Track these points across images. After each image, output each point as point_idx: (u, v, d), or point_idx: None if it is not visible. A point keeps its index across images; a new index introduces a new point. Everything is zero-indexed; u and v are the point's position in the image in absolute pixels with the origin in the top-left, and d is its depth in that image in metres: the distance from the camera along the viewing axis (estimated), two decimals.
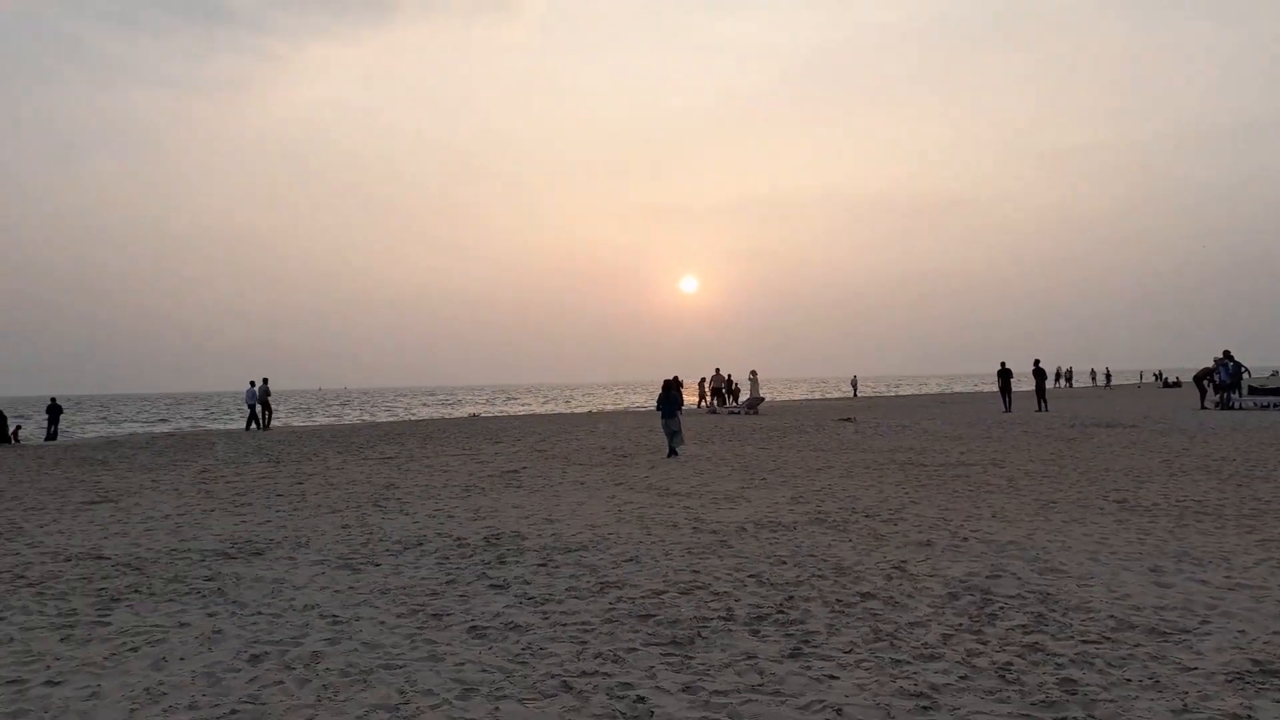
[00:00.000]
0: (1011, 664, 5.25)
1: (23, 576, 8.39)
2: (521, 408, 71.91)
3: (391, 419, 52.65)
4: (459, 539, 9.83)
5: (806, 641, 5.81)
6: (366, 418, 60.65)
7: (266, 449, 24.32)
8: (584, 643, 5.89)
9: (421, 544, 9.58)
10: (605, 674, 5.26)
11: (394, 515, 11.70)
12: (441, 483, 15.27)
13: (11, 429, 33.74)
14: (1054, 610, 6.37)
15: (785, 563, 8.18)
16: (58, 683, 5.37)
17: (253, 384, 35.34)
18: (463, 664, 5.52)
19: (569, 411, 55.11)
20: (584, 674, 5.26)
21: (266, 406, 35.93)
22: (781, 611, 6.52)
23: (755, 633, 6.03)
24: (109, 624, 6.67)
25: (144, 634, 6.37)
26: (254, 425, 35.60)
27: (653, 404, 63.39)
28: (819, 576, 7.60)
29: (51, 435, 34.89)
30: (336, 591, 7.53)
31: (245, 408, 39.27)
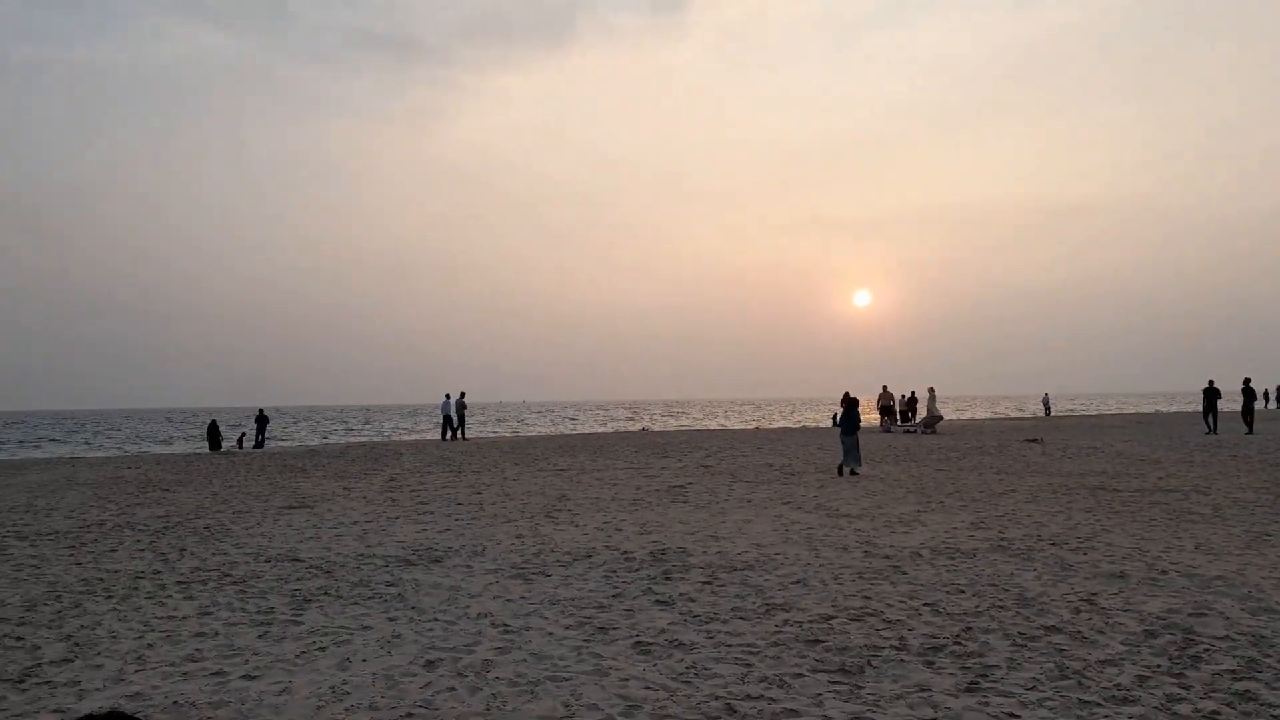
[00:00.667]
0: (1219, 713, 4.79)
1: (228, 575, 9.07)
2: (690, 422, 72.25)
3: (567, 432, 54.00)
4: (626, 553, 9.92)
5: (985, 676, 5.49)
6: (542, 430, 62.47)
7: (449, 459, 25.41)
8: (749, 665, 5.80)
9: (590, 556, 9.73)
10: (770, 699, 5.14)
11: (565, 527, 11.95)
12: (610, 495, 15.49)
13: (236, 437, 37.26)
14: (1269, 656, 5.77)
15: (963, 591, 7.79)
16: (255, 677, 5.75)
17: (448, 396, 37.08)
18: (627, 679, 5.53)
19: (736, 427, 54.88)
20: (748, 698, 5.17)
21: (462, 420, 37.62)
22: (958, 643, 6.21)
23: (929, 664, 5.76)
24: (301, 623, 7.10)
25: (331, 634, 6.74)
26: (450, 435, 37.28)
27: (824, 421, 62.25)
28: (999, 607, 7.19)
29: (259, 444, 37.73)
30: (509, 601, 7.73)
31: (440, 419, 41.16)
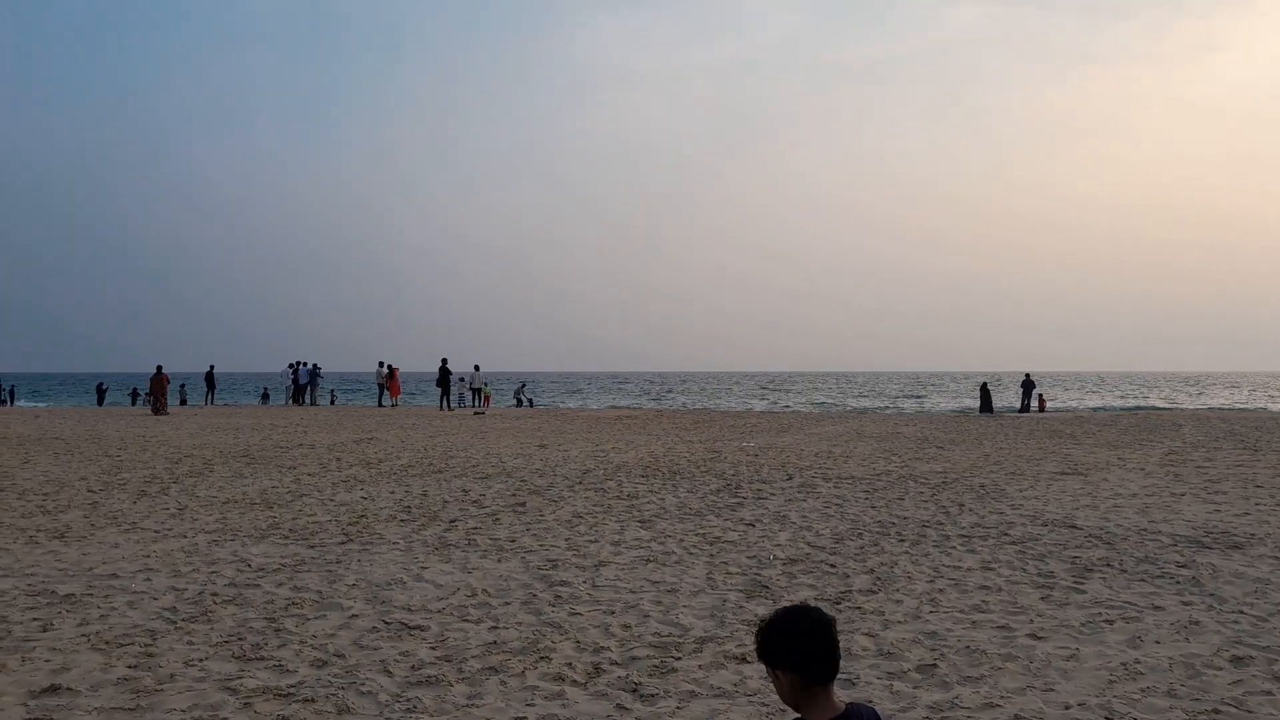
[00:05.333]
0: None
1: (1006, 534, 9.32)
2: None
3: None
4: None
5: None
6: None
7: (1240, 435, 22.32)
8: None
9: None
10: None
11: None
12: None
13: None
14: None
15: None
16: (1040, 638, 5.84)
17: None
18: None
19: None
20: None
21: None
22: None
23: None
24: (1084, 592, 6.98)
25: (1117, 609, 6.49)
26: None
27: None
28: None
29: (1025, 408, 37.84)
30: None
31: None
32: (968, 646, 5.67)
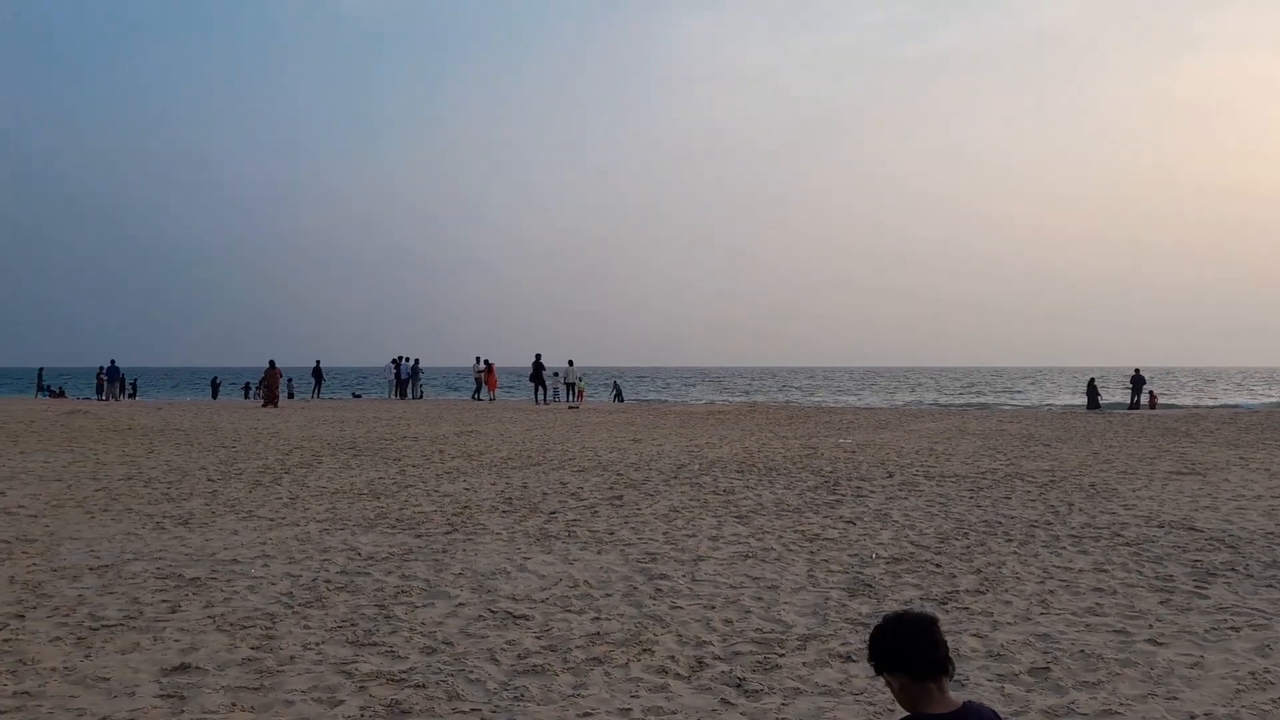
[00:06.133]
0: None
1: (1120, 535, 8.98)
2: None
3: None
4: None
5: None
6: None
7: None
8: None
9: None
10: None
11: None
12: None
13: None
14: None
15: None
16: (1161, 644, 5.62)
17: None
18: None
19: None
20: None
21: None
22: None
23: None
24: (1206, 597, 6.69)
25: (1244, 615, 6.20)
26: None
27: None
28: None
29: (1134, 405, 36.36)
30: None
31: None
32: (1082, 650, 5.50)
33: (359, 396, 47.86)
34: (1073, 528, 9.40)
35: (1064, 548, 8.44)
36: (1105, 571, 7.51)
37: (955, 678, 4.92)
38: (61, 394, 50.85)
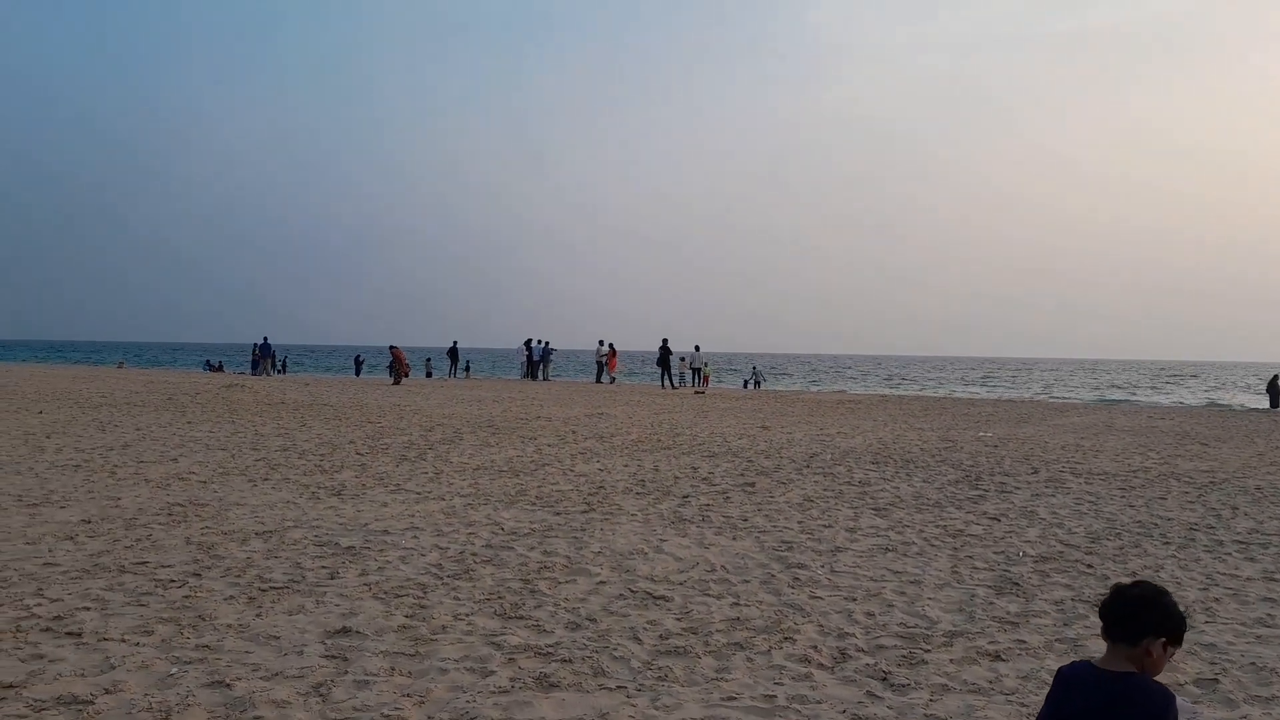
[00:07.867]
0: None
1: None
2: None
3: None
4: None
5: None
6: None
7: None
8: None
9: None
10: None
11: None
12: None
13: None
14: None
15: None
16: None
17: None
18: None
19: None
20: None
21: None
22: None
23: None
24: None
25: None
26: None
27: None
28: None
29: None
30: None
31: None
32: (1253, 663, 5.19)
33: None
34: (1238, 533, 8.86)
35: (1229, 554, 7.96)
36: (1277, 581, 7.06)
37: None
38: (220, 368, 54.19)
